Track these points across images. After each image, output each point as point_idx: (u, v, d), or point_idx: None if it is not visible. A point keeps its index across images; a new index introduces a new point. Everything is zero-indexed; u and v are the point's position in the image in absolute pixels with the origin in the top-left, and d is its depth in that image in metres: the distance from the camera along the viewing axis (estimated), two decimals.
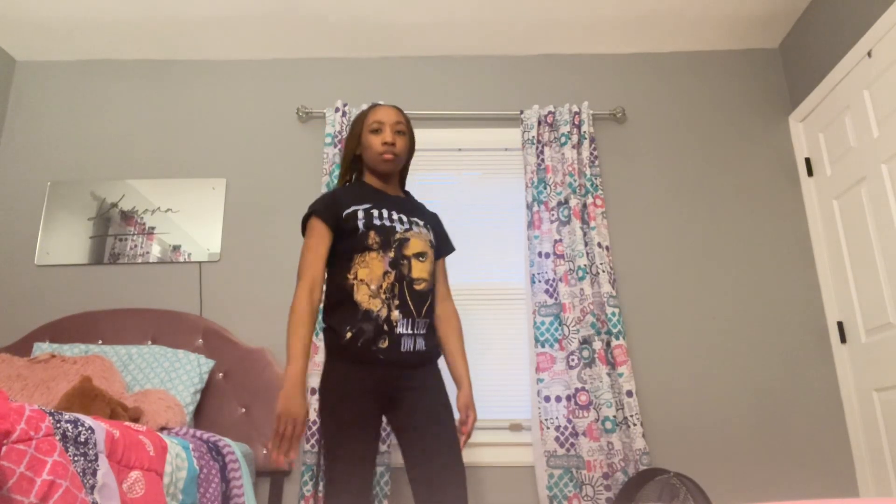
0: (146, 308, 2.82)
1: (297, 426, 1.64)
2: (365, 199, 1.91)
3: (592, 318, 2.66)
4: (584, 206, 2.86)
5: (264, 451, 2.56)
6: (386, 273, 1.81)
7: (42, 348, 2.60)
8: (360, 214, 1.86)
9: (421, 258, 1.88)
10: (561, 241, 2.78)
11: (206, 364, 2.58)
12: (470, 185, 3.07)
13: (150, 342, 2.73)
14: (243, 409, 2.63)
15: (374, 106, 2.00)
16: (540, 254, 2.78)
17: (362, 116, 2.00)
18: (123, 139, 3.12)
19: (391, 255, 1.83)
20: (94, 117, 3.15)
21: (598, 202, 2.85)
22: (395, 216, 1.90)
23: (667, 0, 2.88)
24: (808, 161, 2.98)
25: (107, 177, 3.05)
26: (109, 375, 2.35)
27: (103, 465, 1.32)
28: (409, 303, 1.82)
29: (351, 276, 1.81)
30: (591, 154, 2.94)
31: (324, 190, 2.87)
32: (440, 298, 2.05)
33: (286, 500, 2.59)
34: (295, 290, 1.80)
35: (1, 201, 3.04)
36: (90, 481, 1.26)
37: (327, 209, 1.87)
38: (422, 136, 3.09)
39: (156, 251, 2.93)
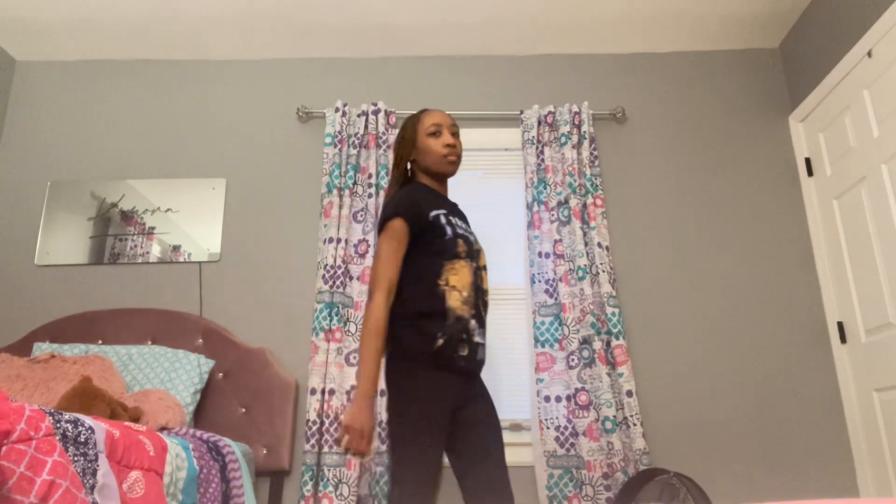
0: (146, 308, 2.82)
1: (365, 438, 1.67)
2: (439, 204, 1.91)
3: (592, 318, 2.66)
4: (584, 206, 2.86)
5: (264, 451, 2.56)
6: (472, 282, 1.83)
7: (42, 348, 2.60)
8: (443, 220, 1.85)
9: (486, 270, 1.93)
10: (561, 241, 2.78)
11: (206, 364, 2.58)
12: (470, 185, 3.07)
13: (150, 342, 2.73)
14: (243, 409, 2.63)
15: (425, 111, 2.00)
16: (540, 254, 2.78)
17: (415, 121, 1.98)
18: (123, 139, 3.12)
19: (474, 264, 1.86)
20: (94, 117, 3.15)
21: (598, 202, 2.85)
22: (463, 225, 1.93)
23: (667, 0, 2.88)
24: (808, 161, 2.98)
25: (107, 177, 3.05)
26: (109, 375, 2.35)
27: (103, 465, 1.32)
28: (482, 313, 1.86)
29: (442, 282, 1.79)
30: (591, 154, 2.94)
31: (323, 190, 2.87)
32: None
33: (286, 500, 2.59)
34: (372, 296, 1.75)
35: (1, 201, 3.04)
36: (90, 481, 1.26)
37: (413, 212, 1.82)
38: None
39: (156, 251, 2.93)
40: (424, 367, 1.74)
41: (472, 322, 1.80)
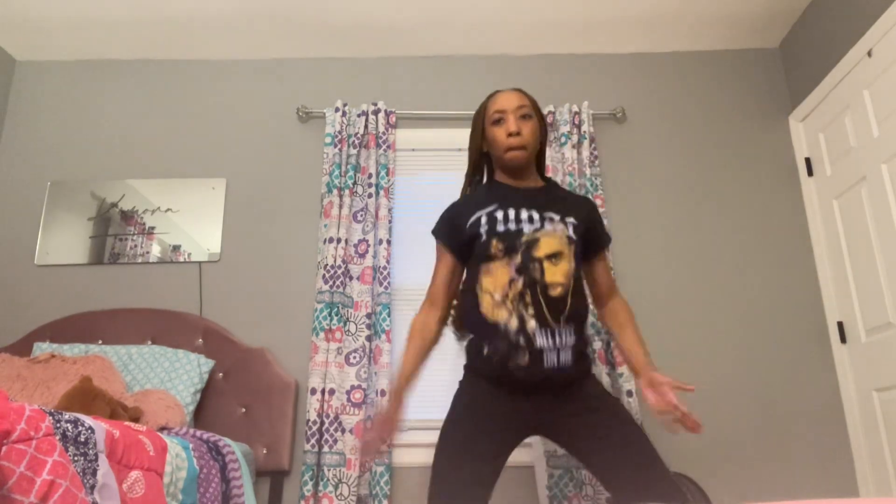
0: (146, 308, 2.82)
1: (379, 421, 1.65)
2: (491, 200, 1.76)
3: (592, 317, 2.66)
4: None
5: (264, 451, 2.56)
6: (512, 280, 1.62)
7: (42, 348, 2.60)
8: (483, 220, 1.72)
9: (553, 260, 1.66)
10: None
11: (206, 364, 2.58)
12: None
13: (150, 342, 2.73)
14: (243, 409, 2.63)
15: (492, 95, 1.82)
16: None
17: (482, 108, 1.83)
18: (123, 139, 3.12)
19: (517, 259, 1.64)
20: (94, 117, 3.15)
21: (598, 202, 2.85)
22: (524, 215, 1.70)
23: (666, 0, 2.88)
24: (808, 161, 2.98)
25: (107, 177, 3.05)
26: (109, 375, 2.35)
27: (103, 465, 1.32)
28: (546, 311, 1.61)
29: (479, 288, 1.68)
30: (591, 154, 2.94)
31: (323, 189, 2.87)
32: (605, 295, 1.86)
33: (286, 500, 2.59)
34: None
35: (1, 201, 3.04)
36: (90, 481, 1.26)
37: (445, 228, 1.80)
38: (422, 135, 3.09)
39: (156, 251, 2.93)
40: (474, 377, 1.68)
41: (532, 323, 1.59)
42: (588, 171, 2.88)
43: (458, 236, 1.76)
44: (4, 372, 2.34)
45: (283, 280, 2.89)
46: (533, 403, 1.62)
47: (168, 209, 2.99)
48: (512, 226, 1.69)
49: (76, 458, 1.23)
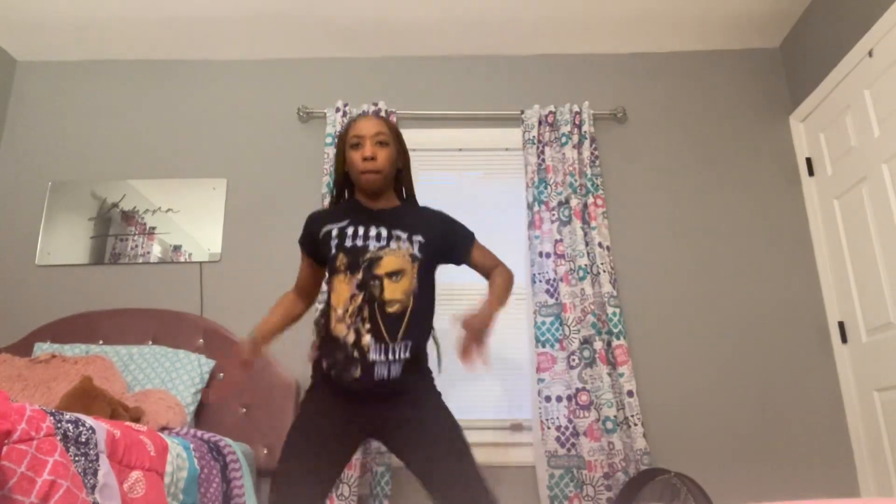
0: (147, 308, 2.82)
1: (240, 351, 1.79)
2: (346, 216, 1.83)
3: (593, 317, 2.66)
4: (585, 205, 2.86)
5: (265, 451, 2.56)
6: (353, 296, 1.71)
7: (43, 348, 2.60)
8: (334, 233, 1.79)
9: (394, 277, 1.73)
10: (561, 240, 2.78)
11: (207, 364, 2.58)
12: (470, 185, 3.07)
13: (150, 342, 2.73)
14: (243, 409, 2.63)
15: (353, 120, 1.89)
16: (541, 254, 2.78)
17: (344, 132, 1.90)
18: (123, 139, 3.12)
19: (359, 276, 1.72)
20: (94, 117, 3.15)
21: (599, 202, 2.85)
22: (373, 232, 1.78)
23: (667, 0, 2.88)
24: (808, 161, 2.98)
25: (107, 177, 3.05)
26: (110, 375, 2.35)
27: (104, 465, 1.32)
28: (382, 327, 1.69)
29: (329, 304, 1.76)
30: (592, 154, 2.94)
31: (324, 190, 2.88)
32: (489, 273, 1.91)
33: None
34: None
35: (1, 201, 3.04)
36: (91, 481, 1.26)
37: (305, 236, 1.90)
38: (422, 136, 3.09)
39: (156, 251, 2.93)
40: (316, 389, 1.75)
41: (367, 338, 1.67)
42: (588, 171, 2.88)
43: (313, 245, 1.88)
44: (5, 372, 2.34)
45: (283, 280, 2.89)
46: (367, 410, 1.72)
47: (168, 209, 2.99)
48: (359, 242, 1.77)
49: (77, 459, 1.23)
